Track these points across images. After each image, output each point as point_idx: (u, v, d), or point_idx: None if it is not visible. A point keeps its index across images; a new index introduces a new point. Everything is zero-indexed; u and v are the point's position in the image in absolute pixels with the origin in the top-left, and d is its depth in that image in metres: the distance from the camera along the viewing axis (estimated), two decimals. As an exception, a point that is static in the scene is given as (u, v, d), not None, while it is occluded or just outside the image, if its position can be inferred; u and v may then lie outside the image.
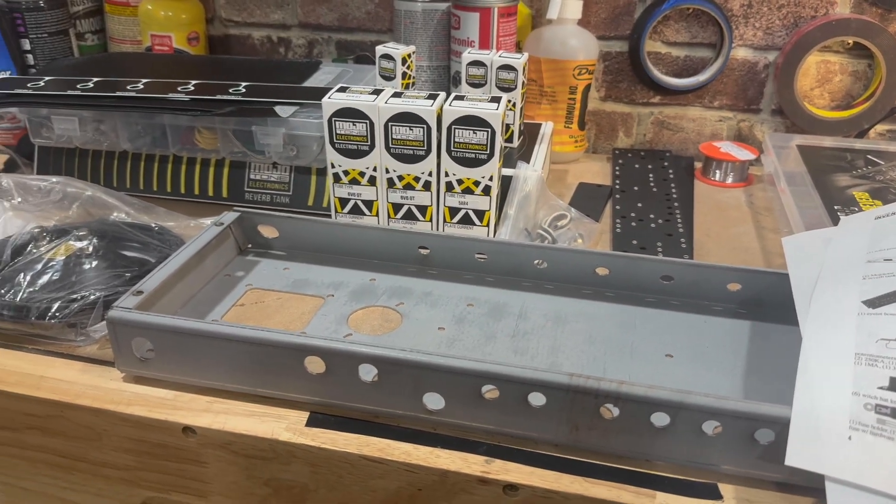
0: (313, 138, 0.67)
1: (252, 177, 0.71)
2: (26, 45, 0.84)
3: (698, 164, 0.84)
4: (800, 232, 0.60)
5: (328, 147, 0.62)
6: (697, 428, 0.39)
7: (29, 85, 0.70)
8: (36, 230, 0.59)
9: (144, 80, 0.70)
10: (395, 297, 0.56)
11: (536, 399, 0.41)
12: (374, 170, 0.62)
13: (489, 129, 0.59)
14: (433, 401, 0.43)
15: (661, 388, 0.39)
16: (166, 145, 0.71)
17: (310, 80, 0.75)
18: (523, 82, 0.71)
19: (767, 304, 0.53)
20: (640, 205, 0.74)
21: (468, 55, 0.70)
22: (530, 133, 0.76)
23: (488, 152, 0.59)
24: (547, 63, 0.80)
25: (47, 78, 0.72)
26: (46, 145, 0.74)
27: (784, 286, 0.51)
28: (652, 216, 0.71)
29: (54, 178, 0.66)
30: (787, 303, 0.50)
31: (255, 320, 0.53)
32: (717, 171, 0.81)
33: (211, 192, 0.72)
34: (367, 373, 0.43)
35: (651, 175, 0.81)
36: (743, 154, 0.80)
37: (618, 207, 0.73)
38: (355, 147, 0.61)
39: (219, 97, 0.66)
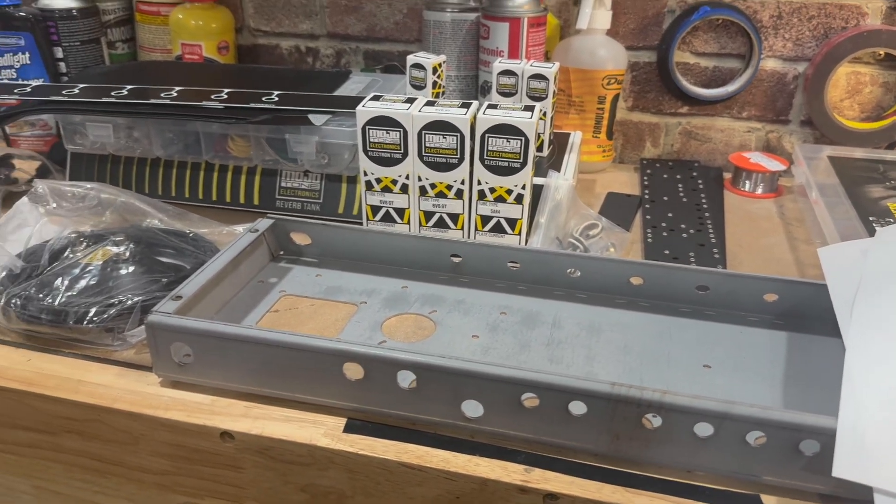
0: (345, 146, 0.67)
1: (283, 184, 0.71)
2: (59, 53, 0.85)
3: (727, 175, 0.84)
4: (835, 243, 0.60)
5: (361, 155, 0.62)
6: (741, 438, 0.39)
7: (63, 92, 0.70)
8: (73, 235, 0.60)
9: (178, 88, 0.71)
10: (427, 304, 0.56)
11: (577, 408, 0.41)
12: (407, 178, 0.62)
13: (523, 138, 0.59)
14: (471, 408, 0.43)
15: (706, 398, 0.39)
16: (199, 152, 0.72)
17: (340, 90, 0.76)
18: (554, 91, 0.71)
19: (805, 314, 0.53)
20: (670, 215, 0.73)
21: (499, 64, 0.70)
22: (559, 142, 0.76)
23: (521, 161, 0.59)
24: (575, 73, 0.80)
25: (82, 85, 0.73)
26: (79, 152, 0.75)
27: (821, 297, 0.50)
28: (683, 226, 0.71)
29: (88, 185, 0.66)
30: (825, 314, 0.49)
31: (290, 326, 0.53)
32: (748, 182, 0.80)
33: (242, 200, 0.72)
34: (405, 379, 0.43)
35: (680, 185, 0.81)
36: (773, 165, 0.80)
37: (648, 217, 0.73)
38: (388, 155, 0.61)
39: (252, 105, 0.67)
